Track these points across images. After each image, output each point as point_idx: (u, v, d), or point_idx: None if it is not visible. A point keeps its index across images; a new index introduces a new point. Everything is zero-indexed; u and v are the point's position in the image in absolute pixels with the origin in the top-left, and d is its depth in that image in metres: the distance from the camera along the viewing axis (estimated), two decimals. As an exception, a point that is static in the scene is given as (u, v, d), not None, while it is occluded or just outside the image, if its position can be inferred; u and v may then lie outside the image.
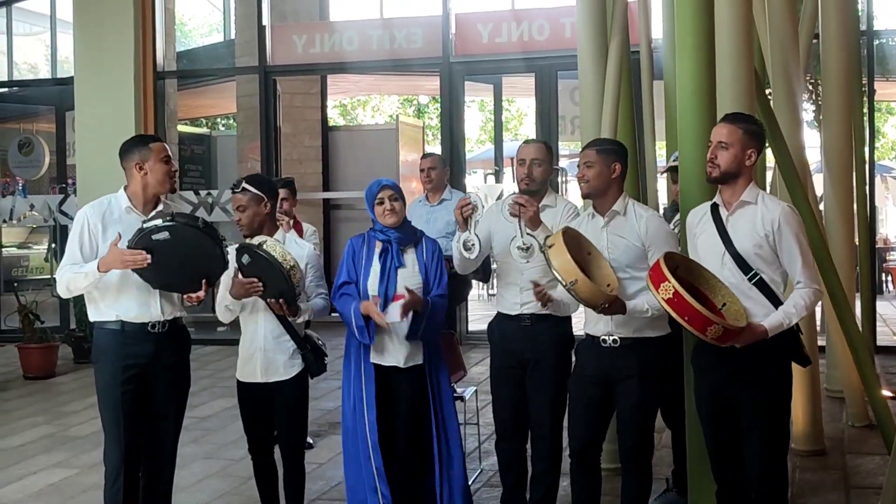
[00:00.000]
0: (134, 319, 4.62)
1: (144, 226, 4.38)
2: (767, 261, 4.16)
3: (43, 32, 15.57)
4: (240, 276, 4.66)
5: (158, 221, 4.38)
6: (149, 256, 4.34)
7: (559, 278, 4.19)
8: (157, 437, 4.75)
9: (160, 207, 4.70)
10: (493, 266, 5.61)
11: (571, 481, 4.85)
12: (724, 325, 3.89)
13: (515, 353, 5.02)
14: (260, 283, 4.65)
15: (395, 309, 4.84)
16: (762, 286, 4.15)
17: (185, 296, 4.56)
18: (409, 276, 4.91)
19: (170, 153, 4.74)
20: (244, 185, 4.93)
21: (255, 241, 4.74)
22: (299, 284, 4.77)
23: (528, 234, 4.65)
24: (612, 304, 4.27)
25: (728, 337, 3.95)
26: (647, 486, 4.76)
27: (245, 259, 4.64)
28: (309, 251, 5.08)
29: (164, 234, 4.34)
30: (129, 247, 4.37)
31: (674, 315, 3.91)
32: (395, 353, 4.93)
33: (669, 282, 3.89)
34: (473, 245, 4.84)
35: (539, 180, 5.01)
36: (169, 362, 4.71)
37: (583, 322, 4.76)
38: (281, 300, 4.69)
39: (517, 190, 5.05)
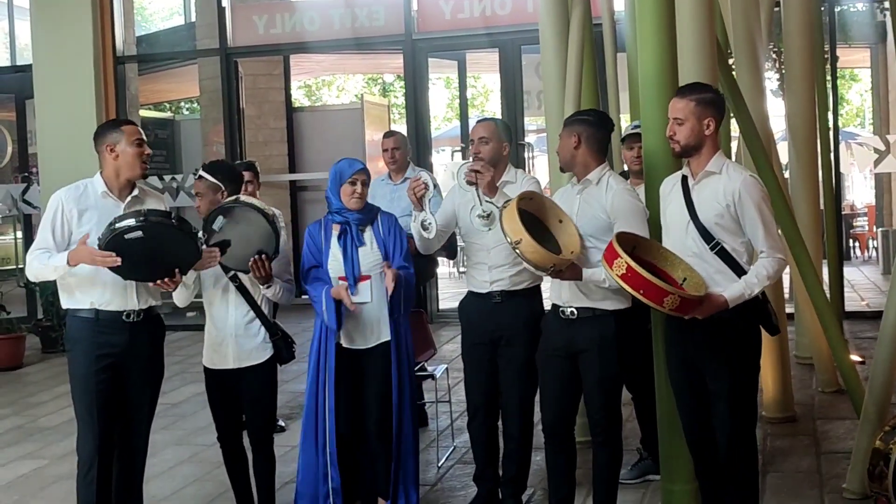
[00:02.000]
0: (108, 307, 4.56)
1: (116, 226, 4.26)
2: (729, 230, 4.16)
3: (0, 20, 15.39)
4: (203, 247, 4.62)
5: (131, 221, 4.26)
6: (119, 259, 4.25)
7: (506, 237, 4.21)
8: (130, 425, 4.70)
9: (136, 193, 4.62)
10: (460, 244, 5.60)
11: (546, 456, 4.85)
12: (681, 295, 3.90)
13: (487, 331, 5.02)
14: (217, 251, 4.61)
15: (364, 289, 4.85)
16: (724, 255, 4.15)
17: (156, 282, 4.49)
18: (369, 254, 4.90)
19: (143, 136, 4.64)
20: (201, 173, 4.93)
21: (228, 200, 4.73)
22: (279, 235, 4.76)
23: (486, 201, 4.67)
24: (566, 269, 4.27)
25: (687, 307, 3.95)
26: (618, 458, 4.78)
27: (219, 223, 4.59)
28: (283, 238, 5.05)
29: (137, 234, 4.25)
30: (100, 246, 4.27)
31: (630, 290, 3.92)
32: (363, 334, 4.92)
33: (622, 258, 3.91)
34: (430, 224, 4.87)
35: (488, 157, 4.99)
36: (143, 352, 4.65)
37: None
38: (263, 255, 4.67)
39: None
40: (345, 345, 4.94)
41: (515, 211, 4.20)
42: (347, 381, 4.94)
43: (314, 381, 4.96)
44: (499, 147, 5.03)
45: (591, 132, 4.63)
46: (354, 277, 4.85)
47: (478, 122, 5.22)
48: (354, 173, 4.88)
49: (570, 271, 4.31)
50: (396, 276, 4.77)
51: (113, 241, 4.24)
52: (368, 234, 4.95)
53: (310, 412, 4.97)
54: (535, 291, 5.06)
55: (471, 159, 5.00)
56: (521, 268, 4.73)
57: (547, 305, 4.91)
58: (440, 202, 5.28)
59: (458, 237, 5.32)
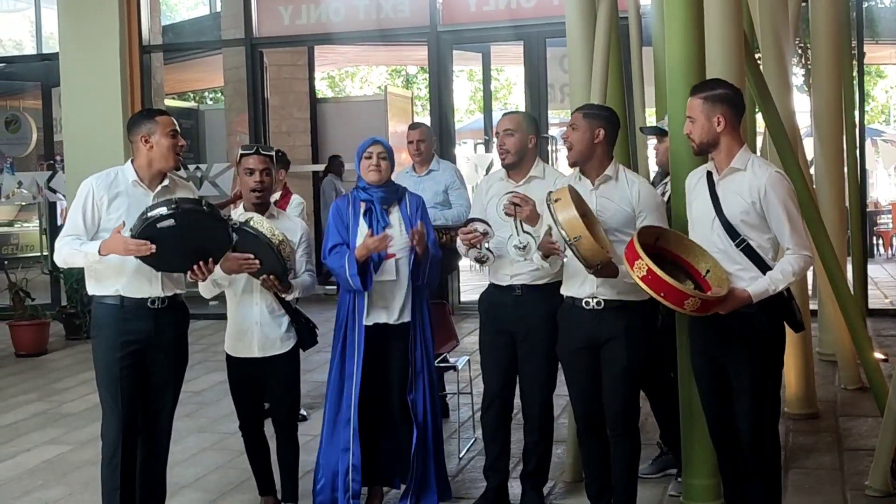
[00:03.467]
0: (134, 294, 4.57)
1: (149, 214, 4.27)
2: (755, 227, 4.14)
3: (27, 8, 15.48)
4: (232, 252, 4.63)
5: (163, 210, 4.26)
6: (153, 247, 4.26)
7: (563, 233, 4.16)
8: (154, 411, 4.72)
9: (166, 183, 4.63)
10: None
11: (581, 448, 4.87)
12: (701, 297, 3.90)
13: (506, 324, 5.02)
14: (256, 260, 4.62)
15: (390, 266, 4.90)
16: (749, 252, 4.13)
17: (188, 274, 4.49)
18: (396, 235, 4.92)
19: (177, 128, 4.65)
20: (261, 150, 4.96)
21: (242, 218, 4.71)
22: (290, 259, 4.75)
23: (525, 231, 4.65)
24: (605, 266, 4.26)
25: (708, 307, 3.96)
26: (637, 450, 4.77)
27: (233, 237, 4.59)
28: (303, 227, 5.07)
29: (170, 222, 4.25)
30: (132, 235, 4.29)
31: (650, 292, 3.92)
32: (387, 310, 4.97)
33: (642, 259, 3.90)
34: (487, 258, 4.88)
35: (514, 150, 4.98)
36: (167, 338, 4.67)
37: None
38: (272, 276, 4.68)
39: (498, 163, 5.06)
40: (367, 323, 4.97)
41: (572, 205, 4.16)
42: (370, 357, 4.98)
43: (340, 356, 5.00)
44: (524, 139, 5.00)
45: (612, 130, 4.63)
46: (380, 255, 4.88)
47: (504, 114, 5.22)
48: (369, 146, 4.98)
49: (607, 268, 4.30)
50: (423, 240, 4.81)
51: (145, 230, 4.25)
52: (396, 216, 4.99)
53: (334, 388, 5.01)
54: (555, 287, 5.06)
55: (498, 157, 5.01)
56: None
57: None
58: (464, 194, 5.27)
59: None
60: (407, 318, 4.99)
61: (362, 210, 4.98)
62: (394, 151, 5.18)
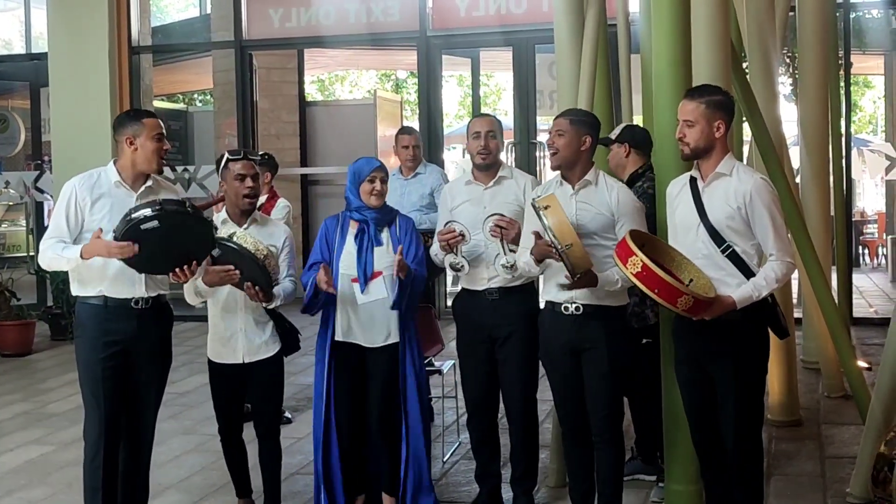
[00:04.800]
0: (117, 295, 4.57)
1: (132, 216, 4.26)
2: (740, 233, 4.15)
3: (17, 8, 15.43)
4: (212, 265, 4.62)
5: (147, 211, 4.25)
6: (136, 247, 4.27)
7: (553, 240, 4.17)
8: (136, 412, 4.72)
9: (149, 184, 4.62)
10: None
11: (566, 452, 4.88)
12: (695, 296, 3.91)
13: (485, 329, 5.02)
14: (237, 271, 4.61)
15: (377, 286, 4.84)
16: (735, 258, 4.15)
17: (171, 275, 4.48)
18: (385, 255, 4.88)
19: (163, 131, 4.63)
20: (248, 155, 4.94)
21: (224, 233, 4.71)
22: (274, 272, 4.75)
23: (510, 250, 4.72)
24: (585, 274, 4.28)
25: (698, 308, 3.97)
26: (622, 456, 4.79)
27: (216, 252, 4.56)
28: (286, 231, 5.05)
29: (153, 223, 4.24)
30: (115, 237, 4.28)
31: (643, 289, 3.92)
32: (372, 332, 4.91)
33: (637, 256, 3.90)
34: (462, 266, 4.89)
35: (495, 153, 5.02)
36: (151, 339, 4.67)
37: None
38: (257, 287, 4.67)
39: (473, 163, 5.09)
40: (343, 339, 4.92)
41: (563, 213, 4.17)
42: (350, 376, 4.95)
43: (321, 372, 4.98)
44: (500, 141, 5.09)
45: (596, 137, 4.68)
46: (366, 276, 4.84)
47: (478, 117, 5.23)
48: (373, 171, 4.89)
49: (585, 277, 4.31)
50: (405, 266, 4.76)
51: (129, 231, 4.24)
52: (385, 235, 4.94)
53: (318, 402, 5.00)
54: (530, 288, 5.07)
55: (473, 157, 5.04)
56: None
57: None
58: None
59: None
60: (395, 338, 4.92)
61: (353, 230, 4.94)
62: (381, 156, 5.17)
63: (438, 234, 4.95)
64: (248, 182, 4.86)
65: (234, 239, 4.61)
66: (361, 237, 4.90)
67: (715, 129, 4.18)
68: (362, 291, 4.84)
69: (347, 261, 4.89)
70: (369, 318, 4.90)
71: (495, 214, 4.81)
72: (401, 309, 4.85)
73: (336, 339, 4.92)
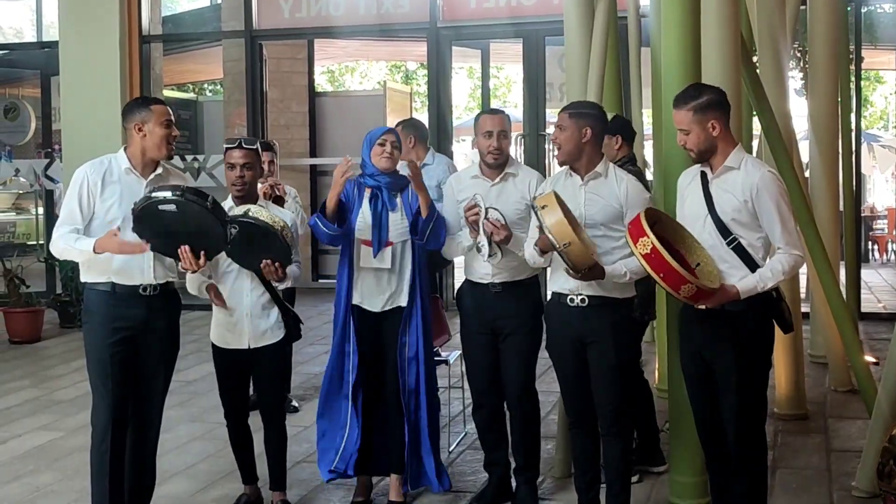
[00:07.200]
0: (126, 282, 4.58)
1: (153, 195, 4.30)
2: (746, 226, 4.15)
3: (28, -4, 15.45)
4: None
5: (168, 193, 4.28)
6: (148, 246, 4.33)
7: (552, 240, 4.18)
8: (144, 399, 4.73)
9: (159, 171, 4.64)
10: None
11: (572, 443, 4.89)
12: (698, 285, 3.91)
13: (488, 320, 5.04)
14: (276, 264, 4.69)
15: (386, 255, 4.93)
16: (740, 251, 4.15)
17: (180, 264, 4.50)
18: (399, 220, 4.97)
19: (171, 117, 4.65)
20: (244, 143, 4.95)
21: (240, 210, 4.73)
22: (293, 243, 4.79)
23: (496, 243, 4.75)
24: (591, 269, 4.28)
25: (700, 297, 3.97)
26: (630, 449, 4.80)
27: (231, 231, 4.55)
28: (291, 217, 5.07)
29: (171, 207, 4.27)
30: (133, 210, 4.31)
31: (649, 270, 3.92)
32: (377, 298, 5.00)
33: (648, 237, 3.90)
34: (483, 246, 4.82)
35: (506, 152, 5.01)
36: (159, 325, 4.68)
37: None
38: (277, 263, 4.69)
39: (484, 162, 5.03)
40: (360, 304, 5.03)
41: (561, 212, 4.17)
42: (366, 342, 5.03)
43: (340, 337, 5.04)
44: (510, 139, 5.08)
45: (600, 128, 4.65)
46: (380, 241, 4.93)
47: (486, 113, 5.12)
48: (383, 134, 5.01)
49: (593, 271, 4.31)
50: (418, 176, 4.87)
51: (147, 208, 4.28)
52: (399, 201, 5.02)
53: (333, 367, 5.05)
54: (533, 282, 5.08)
55: (484, 157, 5.00)
56: (521, 259, 4.78)
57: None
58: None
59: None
60: (401, 302, 5.01)
61: (368, 195, 5.01)
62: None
63: (465, 211, 4.89)
64: (238, 171, 4.91)
65: (251, 214, 4.63)
66: (375, 202, 4.99)
67: (711, 130, 4.16)
68: (374, 256, 4.91)
69: (363, 225, 4.98)
70: (374, 283, 4.99)
71: (493, 209, 4.81)
72: (421, 238, 4.93)
73: (354, 302, 5.01)
